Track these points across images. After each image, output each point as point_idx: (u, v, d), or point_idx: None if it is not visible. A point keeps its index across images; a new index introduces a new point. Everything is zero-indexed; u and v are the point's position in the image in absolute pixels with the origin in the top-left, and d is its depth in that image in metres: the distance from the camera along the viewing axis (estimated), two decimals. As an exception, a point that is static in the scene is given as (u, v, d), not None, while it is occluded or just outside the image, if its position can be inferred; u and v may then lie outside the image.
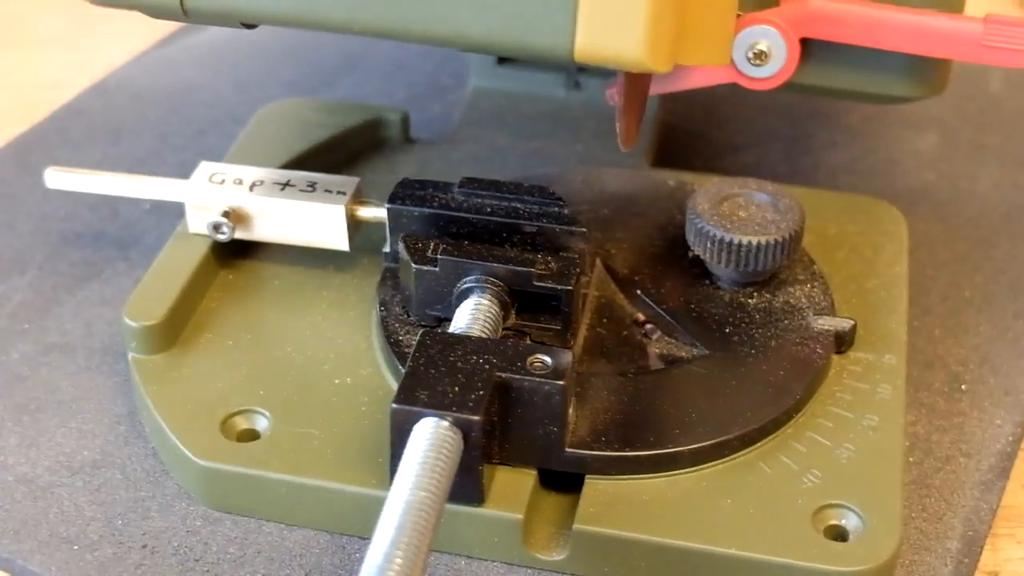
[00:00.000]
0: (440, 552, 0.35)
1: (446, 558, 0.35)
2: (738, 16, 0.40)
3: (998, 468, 0.38)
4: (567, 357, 0.34)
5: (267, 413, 0.37)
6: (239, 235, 0.41)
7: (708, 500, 0.35)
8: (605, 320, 0.39)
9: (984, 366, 0.41)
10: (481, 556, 0.35)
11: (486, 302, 0.37)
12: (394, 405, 0.33)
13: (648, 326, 0.39)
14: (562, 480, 0.36)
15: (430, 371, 0.34)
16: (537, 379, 0.34)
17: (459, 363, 0.34)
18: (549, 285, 0.37)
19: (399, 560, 0.29)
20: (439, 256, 0.37)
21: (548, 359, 0.34)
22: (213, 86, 0.54)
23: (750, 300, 0.39)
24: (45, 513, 0.36)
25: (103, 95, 0.53)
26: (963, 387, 0.40)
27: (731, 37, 0.35)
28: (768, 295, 0.40)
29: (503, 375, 0.34)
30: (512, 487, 0.35)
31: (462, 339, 0.35)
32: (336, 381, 0.38)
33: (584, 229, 0.38)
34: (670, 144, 0.50)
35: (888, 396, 0.37)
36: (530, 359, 0.34)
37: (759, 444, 0.36)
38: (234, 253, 0.42)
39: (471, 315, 0.36)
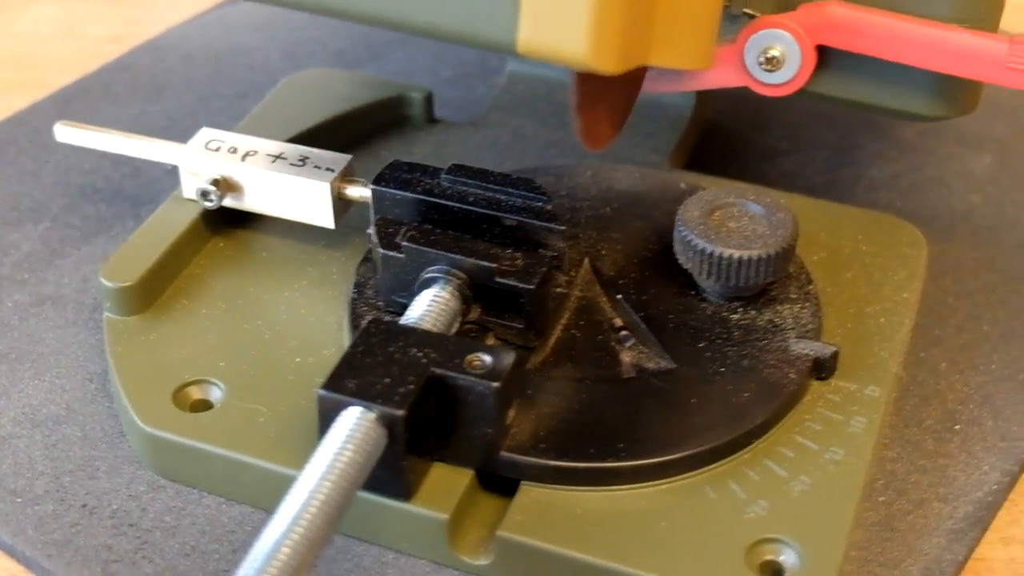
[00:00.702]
0: (369, 543, 0.35)
1: (375, 550, 0.35)
2: (752, 17, 0.39)
3: (974, 517, 0.36)
4: (508, 358, 0.33)
5: (223, 385, 0.37)
6: (230, 204, 0.41)
7: (643, 520, 0.33)
8: (583, 322, 0.38)
9: (985, 407, 0.38)
10: (409, 552, 0.34)
11: (445, 295, 0.36)
12: (320, 391, 0.32)
13: (623, 332, 0.38)
14: (507, 483, 0.35)
15: (366, 360, 0.33)
16: (472, 378, 0.33)
17: (397, 354, 0.33)
18: (510, 283, 0.36)
19: (286, 551, 0.29)
20: (404, 243, 0.36)
21: (488, 359, 0.33)
22: (263, 51, 0.54)
23: (733, 316, 0.38)
24: (-1, 463, 0.37)
25: (153, 52, 0.54)
26: (956, 427, 0.38)
27: (713, 39, 0.33)
28: (753, 312, 0.38)
29: (438, 371, 0.33)
30: (445, 486, 0.34)
31: (407, 330, 0.34)
32: (297, 360, 0.38)
33: (563, 227, 0.37)
34: (709, 144, 0.48)
35: (860, 430, 0.35)
36: (470, 357, 0.33)
37: (709, 467, 0.34)
38: (229, 221, 0.42)
39: (426, 306, 0.35)
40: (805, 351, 0.37)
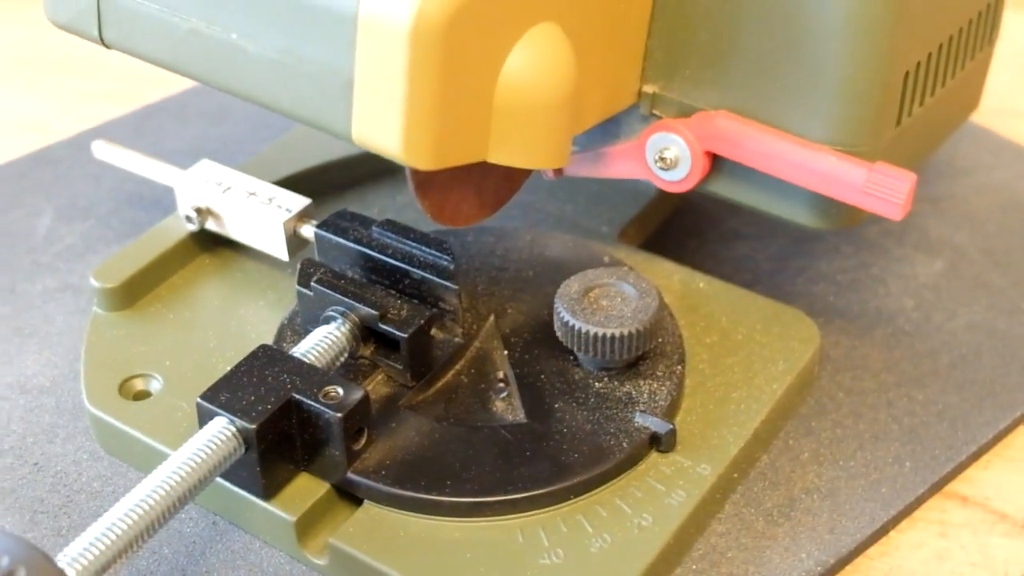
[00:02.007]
0: (243, 531, 0.41)
1: (247, 538, 0.41)
2: (658, 119, 0.43)
3: (772, 598, 0.39)
4: (356, 395, 0.39)
5: (162, 381, 0.44)
6: (212, 228, 0.48)
7: (451, 550, 0.38)
8: (473, 370, 0.43)
9: (827, 500, 0.42)
10: (269, 543, 0.41)
11: (335, 332, 0.42)
12: (197, 400, 0.39)
13: (501, 384, 0.43)
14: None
15: (243, 378, 0.39)
16: (320, 406, 0.38)
17: (270, 377, 0.39)
18: (389, 329, 0.41)
19: (114, 535, 0.35)
20: (313, 283, 0.42)
21: (341, 391, 0.39)
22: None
23: (596, 384, 0.42)
24: (-17, 419, 0.45)
25: (230, 81, 0.61)
26: (792, 514, 0.41)
27: (561, 140, 0.38)
28: (616, 383, 0.42)
29: (297, 396, 0.39)
30: (302, 493, 0.40)
31: (286, 358, 0.40)
32: (228, 368, 0.44)
33: (457, 287, 0.42)
34: (679, 221, 0.52)
35: (677, 503, 0.39)
36: (328, 388, 0.39)
37: (526, 513, 0.39)
38: (221, 242, 0.49)
39: (316, 340, 0.41)
40: (645, 425, 0.41)
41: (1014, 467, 0.44)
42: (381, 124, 0.34)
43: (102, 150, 0.50)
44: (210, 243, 0.49)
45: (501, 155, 0.37)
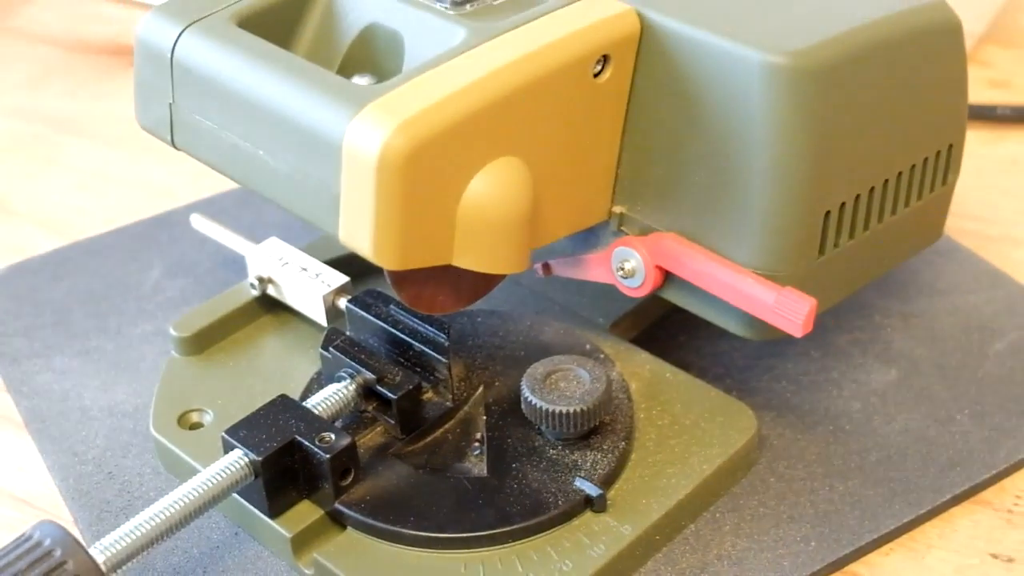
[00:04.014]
0: (256, 542, 0.51)
1: (258, 548, 0.51)
2: (624, 235, 0.51)
3: (667, 641, 0.47)
4: (344, 441, 0.48)
5: (213, 415, 0.54)
6: (272, 293, 0.58)
7: (407, 574, 0.47)
8: (458, 430, 0.52)
9: (735, 566, 0.49)
10: (274, 554, 0.50)
11: (343, 390, 0.51)
12: (222, 433, 0.49)
13: (477, 444, 0.52)
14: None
15: (261, 420, 0.49)
16: (313, 447, 0.48)
17: (281, 421, 0.49)
18: (383, 391, 0.51)
19: (139, 532, 0.46)
20: (331, 348, 0.52)
21: (333, 437, 0.49)
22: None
23: (551, 451, 0.51)
24: (76, 433, 0.56)
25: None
26: (701, 574, 0.49)
27: (518, 249, 0.47)
28: (567, 452, 0.51)
29: (297, 437, 0.49)
30: (301, 515, 0.50)
31: (297, 406, 0.50)
32: (264, 410, 0.54)
33: (446, 360, 0.52)
34: (674, 317, 0.60)
35: (596, 555, 0.48)
36: (324, 434, 0.49)
37: (470, 550, 0.48)
38: (281, 306, 0.59)
39: (325, 395, 0.51)
40: (580, 488, 0.49)
41: (912, 556, 0.50)
42: (358, 230, 0.44)
43: (198, 221, 0.62)
44: (272, 307, 0.59)
45: (464, 260, 0.46)
